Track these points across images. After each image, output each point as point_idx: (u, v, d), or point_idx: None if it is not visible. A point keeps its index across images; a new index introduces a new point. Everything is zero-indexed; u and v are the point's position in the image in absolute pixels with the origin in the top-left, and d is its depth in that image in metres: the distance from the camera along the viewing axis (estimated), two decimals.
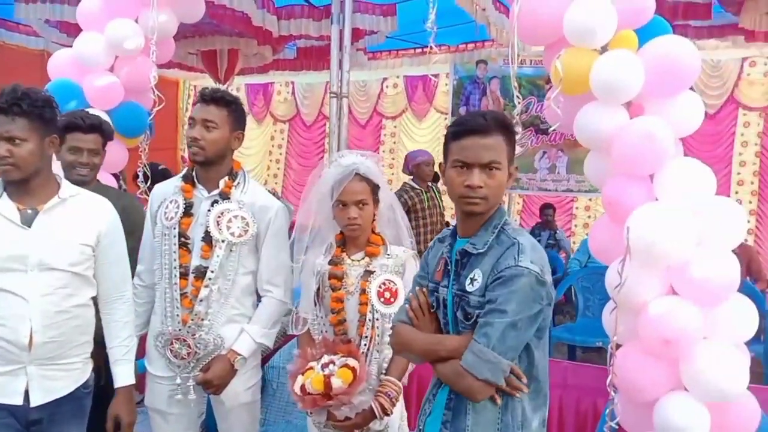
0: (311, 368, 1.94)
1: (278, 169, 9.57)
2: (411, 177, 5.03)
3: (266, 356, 2.81)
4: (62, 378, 1.95)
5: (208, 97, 2.20)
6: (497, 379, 1.55)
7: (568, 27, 2.27)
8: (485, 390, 1.57)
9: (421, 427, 1.77)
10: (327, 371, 1.90)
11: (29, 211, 1.92)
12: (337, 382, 1.86)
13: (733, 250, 2.20)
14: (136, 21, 3.01)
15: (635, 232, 2.09)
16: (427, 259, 1.81)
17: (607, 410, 2.19)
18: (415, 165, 4.94)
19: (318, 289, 2.12)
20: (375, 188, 2.10)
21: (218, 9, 4.20)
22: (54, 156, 2.04)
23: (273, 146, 9.59)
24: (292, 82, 9.12)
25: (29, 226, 1.90)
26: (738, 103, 7.14)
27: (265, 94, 9.34)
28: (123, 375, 2.08)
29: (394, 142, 8.80)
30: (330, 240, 2.16)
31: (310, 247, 2.16)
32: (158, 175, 3.76)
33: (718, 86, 7.10)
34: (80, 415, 2.03)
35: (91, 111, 2.75)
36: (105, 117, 2.81)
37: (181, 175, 2.30)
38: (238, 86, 8.61)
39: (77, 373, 2.00)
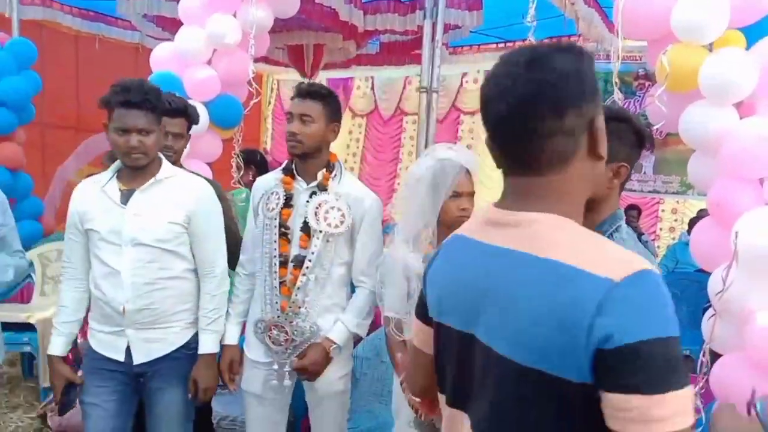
0: None
1: (355, 162, 9.66)
2: None
3: None
4: (160, 341, 2.16)
5: (304, 92, 2.25)
6: None
7: (676, 22, 2.18)
8: None
9: None
10: None
11: (128, 191, 2.12)
12: None
13: None
14: (234, 15, 3.10)
15: (744, 237, 2.00)
16: None
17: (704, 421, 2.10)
18: None
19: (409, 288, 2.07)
20: None
21: (307, 4, 4.28)
22: None
23: (351, 140, 9.69)
24: (372, 77, 9.17)
25: (126, 205, 2.10)
26: None
27: (345, 89, 9.44)
28: (205, 343, 2.23)
29: (472, 138, 8.71)
30: (414, 235, 2.10)
31: (393, 242, 2.12)
32: (256, 161, 3.93)
33: None
34: (180, 373, 2.20)
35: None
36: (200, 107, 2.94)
37: (281, 167, 2.37)
38: (320, 81, 8.75)
39: (175, 336, 2.19)
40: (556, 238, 0.98)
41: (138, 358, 2.15)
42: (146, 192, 2.12)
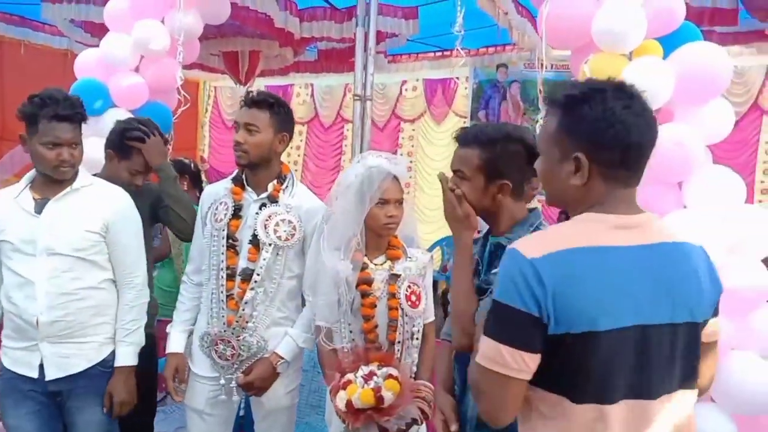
0: (350, 381, 1.88)
1: (296, 170, 9.58)
2: None
3: None
4: (75, 356, 2.10)
5: (250, 101, 2.21)
6: None
7: (597, 31, 2.24)
8: None
9: None
10: (372, 384, 1.84)
11: (42, 200, 2.08)
12: (388, 395, 1.82)
13: (763, 260, 2.17)
14: (162, 22, 3.03)
15: None
16: None
17: None
18: None
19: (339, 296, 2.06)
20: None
21: (241, 10, 4.22)
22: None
23: (291, 148, 9.58)
24: (312, 84, 9.13)
25: (40, 214, 2.06)
26: (762, 110, 7.01)
27: (284, 96, 9.35)
28: (122, 356, 2.17)
29: (412, 146, 8.76)
30: (344, 242, 2.04)
31: (323, 250, 2.07)
32: (190, 171, 3.85)
33: (741, 93, 7.00)
34: (98, 391, 2.14)
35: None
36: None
37: (231, 177, 2.32)
38: (258, 88, 8.63)
39: (92, 352, 2.13)
40: (667, 226, 1.35)
41: (51, 374, 2.07)
42: (61, 201, 2.08)
